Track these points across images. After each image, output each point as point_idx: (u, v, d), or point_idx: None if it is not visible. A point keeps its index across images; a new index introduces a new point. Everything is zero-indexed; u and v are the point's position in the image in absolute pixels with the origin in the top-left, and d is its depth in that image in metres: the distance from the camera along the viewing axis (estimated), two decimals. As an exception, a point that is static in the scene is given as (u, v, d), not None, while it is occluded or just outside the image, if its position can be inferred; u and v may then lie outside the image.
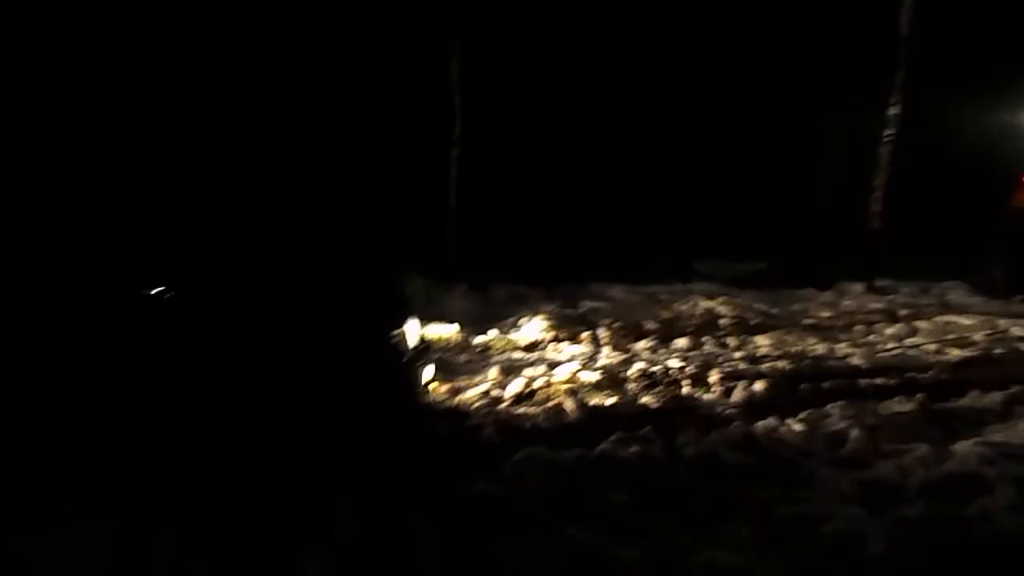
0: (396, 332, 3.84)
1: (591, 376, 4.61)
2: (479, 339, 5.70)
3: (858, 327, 6.48)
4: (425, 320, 5.64)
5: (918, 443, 3.55)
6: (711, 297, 7.35)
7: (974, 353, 5.53)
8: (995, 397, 4.31)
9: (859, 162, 8.39)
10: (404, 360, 3.84)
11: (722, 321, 6.43)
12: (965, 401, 4.28)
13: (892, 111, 8.24)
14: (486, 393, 4.33)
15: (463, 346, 5.53)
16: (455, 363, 5.01)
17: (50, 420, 2.56)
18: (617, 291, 7.45)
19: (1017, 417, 3.94)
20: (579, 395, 4.19)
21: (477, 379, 4.58)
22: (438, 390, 4.32)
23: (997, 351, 5.61)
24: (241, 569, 2.28)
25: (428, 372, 4.21)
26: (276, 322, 3.16)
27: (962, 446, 3.49)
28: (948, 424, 3.85)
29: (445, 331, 5.69)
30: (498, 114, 8.37)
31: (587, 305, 6.94)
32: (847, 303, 7.53)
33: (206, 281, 3.30)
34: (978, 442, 3.52)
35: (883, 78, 8.14)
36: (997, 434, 3.68)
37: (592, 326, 6.04)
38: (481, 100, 8.03)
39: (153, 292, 3.33)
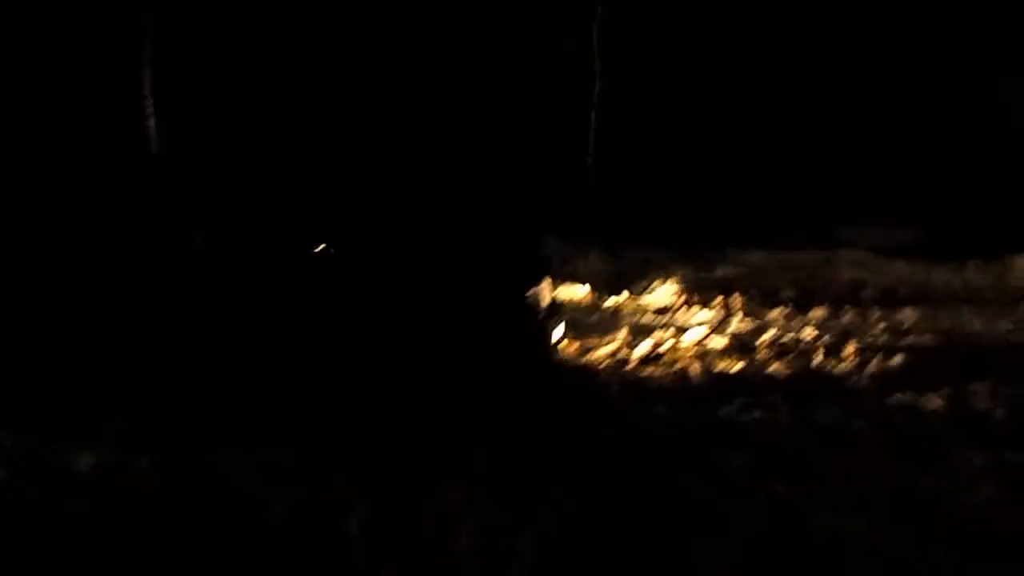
0: (531, 291, 4.09)
1: (720, 342, 4.65)
2: (610, 301, 5.85)
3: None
4: (558, 281, 5.89)
5: (1074, 428, 3.37)
6: (856, 265, 7.03)
7: None
8: None
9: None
10: (538, 318, 4.09)
11: (866, 292, 6.18)
12: None
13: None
14: (614, 353, 4.49)
15: (594, 307, 5.70)
16: (585, 323, 5.19)
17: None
18: (754, 256, 7.29)
19: None
20: (706, 360, 4.25)
21: (606, 339, 4.74)
22: (568, 348, 4.53)
23: None
24: (392, 496, 2.60)
25: (559, 330, 4.45)
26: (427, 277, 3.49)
27: (1126, 434, 3.27)
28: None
29: (577, 292, 5.88)
30: (637, 78, 8.32)
31: (722, 270, 6.87)
32: (1014, 277, 6.95)
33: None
34: None
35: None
36: None
37: (726, 292, 6.00)
38: (621, 64, 8.01)
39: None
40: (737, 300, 5.76)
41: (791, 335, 4.85)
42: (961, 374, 4.09)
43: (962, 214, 7.99)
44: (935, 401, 3.68)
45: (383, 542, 2.36)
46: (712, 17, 8.63)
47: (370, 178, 4.30)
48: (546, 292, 4.24)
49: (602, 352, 4.50)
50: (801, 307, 5.66)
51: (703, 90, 8.85)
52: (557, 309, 4.47)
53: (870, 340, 4.79)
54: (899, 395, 3.76)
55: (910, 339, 4.86)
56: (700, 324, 5.14)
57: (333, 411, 2.95)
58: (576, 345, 4.61)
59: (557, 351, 4.40)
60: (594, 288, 5.98)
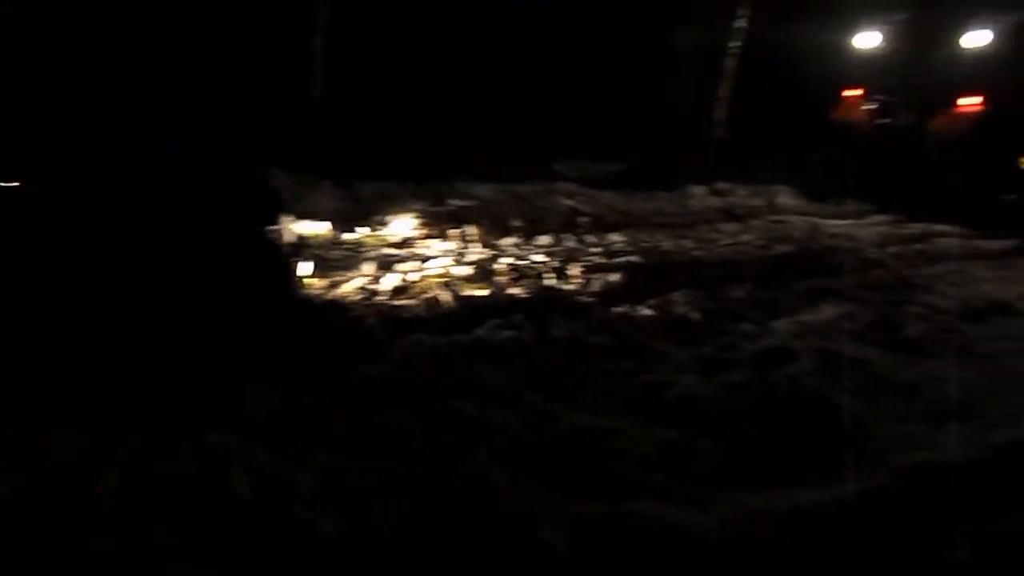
0: (272, 228, 3.89)
1: (463, 270, 4.88)
2: (350, 236, 5.78)
3: (701, 225, 7.16)
4: (295, 217, 5.66)
5: (745, 323, 4.18)
6: (571, 196, 7.75)
7: (793, 248, 6.34)
8: (806, 284, 5.03)
9: (706, 72, 8.94)
10: (281, 256, 3.92)
11: (581, 219, 6.87)
12: (783, 287, 4.96)
13: (737, 23, 8.80)
14: (363, 287, 4.49)
15: (335, 243, 5.60)
16: (329, 259, 5.09)
17: None
18: (483, 190, 7.65)
19: (822, 300, 4.63)
20: (453, 288, 4.46)
21: (352, 274, 4.72)
22: (316, 285, 4.44)
23: (812, 245, 6.46)
24: (160, 446, 2.40)
25: (306, 267, 4.32)
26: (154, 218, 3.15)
27: (778, 324, 4.15)
28: (769, 307, 4.49)
29: (317, 228, 5.71)
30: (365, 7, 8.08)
31: (454, 203, 7.11)
32: (692, 204, 8.21)
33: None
34: (791, 321, 4.19)
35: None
36: (806, 315, 4.35)
37: (460, 223, 6.26)
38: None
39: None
40: (473, 230, 6.05)
41: (524, 261, 5.26)
42: (662, 286, 4.81)
43: (650, 150, 9.15)
44: (646, 310, 4.30)
45: (143, 495, 2.19)
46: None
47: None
48: (288, 228, 4.08)
49: (351, 287, 4.48)
50: (529, 235, 6.13)
51: (427, 27, 8.88)
52: (301, 246, 4.33)
53: (589, 262, 5.39)
54: (618, 307, 4.32)
55: (621, 259, 5.56)
56: (442, 255, 5.33)
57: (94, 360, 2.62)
58: (324, 282, 4.53)
59: (306, 288, 4.29)
60: (333, 223, 5.85)
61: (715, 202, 8.34)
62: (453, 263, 5.05)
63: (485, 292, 4.51)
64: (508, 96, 9.77)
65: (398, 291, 4.44)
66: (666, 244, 6.27)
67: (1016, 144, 8.90)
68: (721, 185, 9.09)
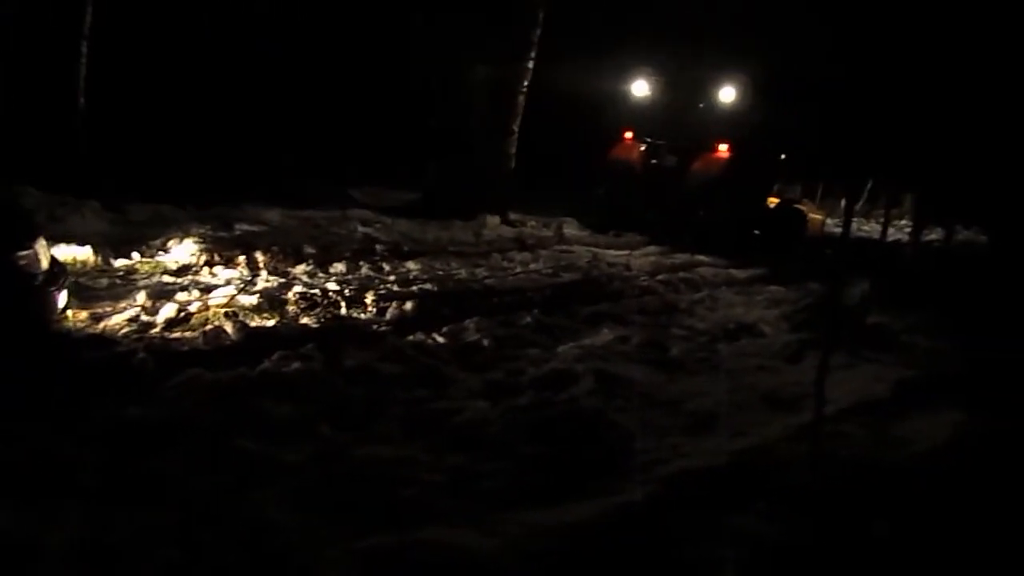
0: (23, 253, 3.48)
1: (250, 299, 4.65)
2: (121, 262, 5.28)
3: (494, 255, 7.41)
4: (51, 241, 5.06)
5: (533, 348, 4.40)
6: (367, 224, 7.70)
7: (578, 276, 6.78)
8: (589, 310, 5.41)
9: (499, 108, 9.36)
10: (35, 284, 3.51)
11: (378, 246, 6.84)
12: (568, 313, 5.29)
13: (528, 64, 9.32)
14: (135, 319, 4.12)
15: (102, 270, 5.08)
16: (95, 288, 4.62)
17: None
18: (274, 214, 7.37)
19: (602, 324, 5.01)
20: (238, 318, 4.23)
21: (123, 304, 4.31)
22: (77, 317, 3.99)
23: (594, 274, 6.96)
24: None
25: (63, 298, 3.89)
26: None
27: (563, 349, 4.42)
28: (555, 333, 4.76)
29: (77, 253, 5.14)
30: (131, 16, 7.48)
31: (242, 228, 6.78)
32: (486, 233, 8.50)
33: None
34: (573, 346, 4.48)
35: (521, 34, 9.14)
36: (587, 338, 4.67)
37: (249, 249, 5.96)
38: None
39: None
40: (260, 257, 5.79)
41: (317, 289, 5.12)
42: (456, 313, 4.92)
43: (446, 180, 9.37)
44: (439, 338, 4.38)
45: None
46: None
47: None
48: (41, 254, 3.64)
49: (120, 318, 4.09)
50: (323, 262, 5.99)
51: (211, 45, 8.43)
52: (59, 274, 3.89)
53: (384, 290, 5.37)
54: (412, 336, 4.35)
55: (416, 287, 5.61)
56: (227, 283, 5.04)
57: None
58: (87, 313, 4.09)
59: (64, 320, 3.85)
60: (98, 248, 5.31)
61: (508, 232, 8.71)
62: (239, 292, 4.79)
63: (274, 322, 4.33)
64: (301, 120, 9.55)
65: (175, 323, 4.13)
66: (461, 272, 6.42)
67: (762, 186, 10.32)
68: (513, 216, 9.54)
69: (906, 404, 3.57)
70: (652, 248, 8.92)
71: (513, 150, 9.58)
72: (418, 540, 2.24)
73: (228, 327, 4.01)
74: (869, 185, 15.75)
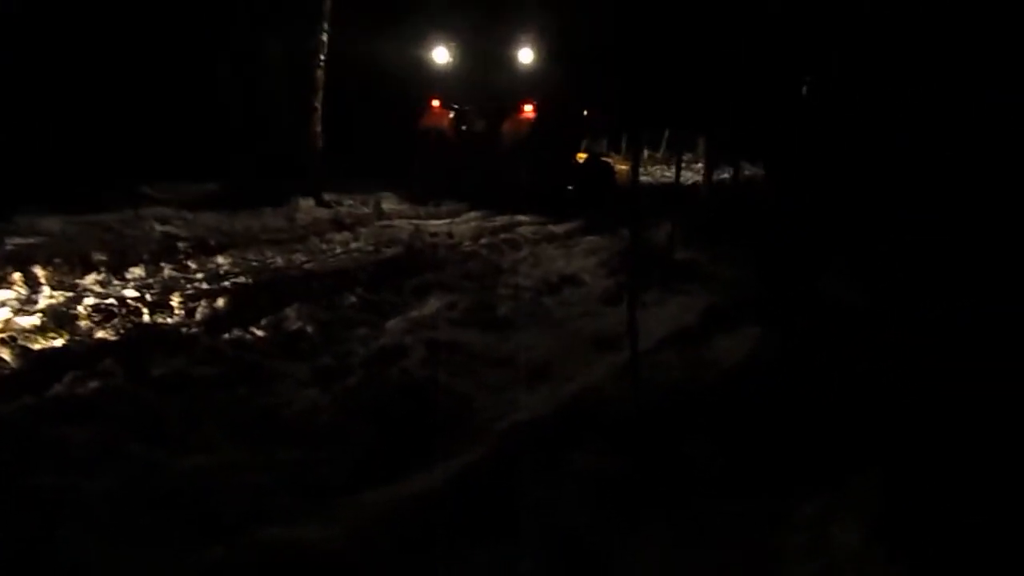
0: None
1: (30, 320, 4.11)
2: None
3: (312, 238, 7.12)
4: None
5: (360, 328, 4.28)
6: (166, 221, 7.08)
7: (401, 250, 6.69)
8: (414, 282, 5.36)
9: (299, 85, 8.92)
10: None
11: (180, 244, 6.30)
12: (393, 288, 5.21)
13: (322, 36, 8.94)
14: None
15: None
16: None
17: None
18: (54, 223, 6.54)
19: (428, 295, 4.98)
20: (16, 342, 3.73)
21: None
22: None
23: (417, 245, 6.89)
24: None
25: None
26: None
27: (391, 324, 4.34)
28: (381, 309, 4.67)
29: None
30: None
31: (15, 242, 5.95)
32: (301, 217, 8.12)
33: None
34: (401, 319, 4.42)
35: (313, 6, 8.73)
36: (415, 310, 4.63)
37: (25, 264, 5.26)
38: None
39: None
40: (40, 272, 5.14)
41: (112, 299, 4.64)
42: (275, 303, 4.67)
43: (251, 166, 8.83)
44: (259, 331, 4.13)
45: None
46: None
47: None
48: None
49: None
50: (117, 269, 5.43)
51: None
52: None
53: (193, 289, 4.98)
54: (228, 333, 4.07)
55: (228, 282, 5.25)
56: (0, 305, 4.42)
57: None
58: None
59: None
60: None
61: (324, 214, 8.39)
62: (16, 313, 4.22)
63: (62, 341, 3.87)
64: (79, 113, 8.53)
65: (-63, 359, 3.56)
66: (277, 261, 6.10)
67: (570, 143, 10.70)
68: (328, 196, 9.19)
69: (712, 329, 3.88)
70: (473, 214, 9.00)
71: (318, 128, 9.20)
72: (252, 543, 2.11)
73: (4, 353, 3.52)
74: (667, 134, 16.92)
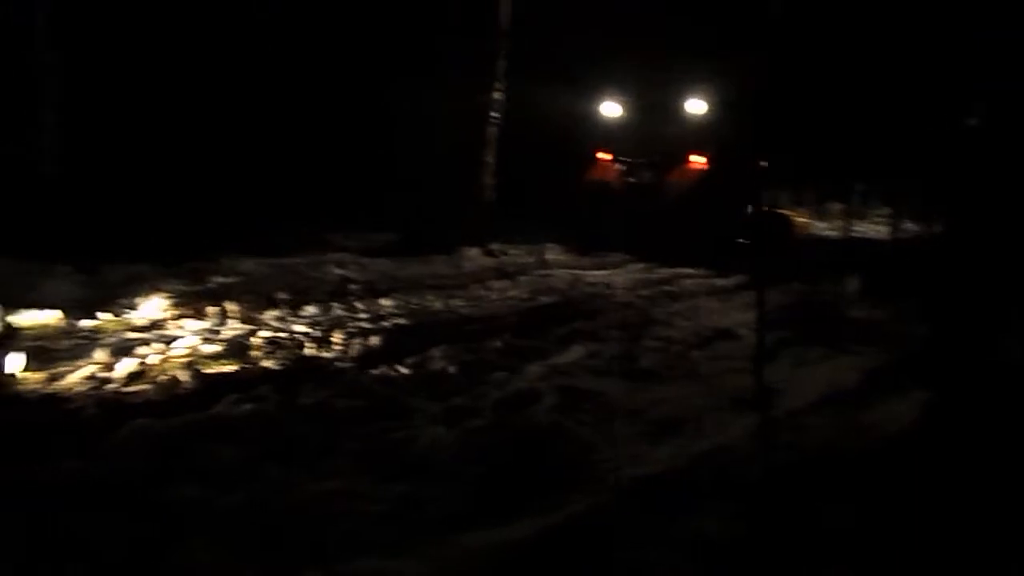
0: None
1: (212, 348, 4.59)
2: (87, 323, 5.23)
3: (473, 285, 7.36)
4: (19, 307, 5.05)
5: (499, 371, 4.31)
6: (343, 266, 7.67)
7: (555, 299, 6.72)
8: (562, 330, 5.33)
9: (472, 140, 9.42)
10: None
11: (352, 287, 6.79)
12: (541, 335, 5.21)
13: (496, 96, 9.41)
14: (92, 376, 4.06)
15: (67, 332, 5.03)
16: (55, 349, 4.55)
17: None
18: (249, 264, 7.34)
19: (573, 343, 4.93)
20: (195, 367, 4.17)
21: (81, 363, 4.25)
22: (31, 378, 3.94)
23: (572, 294, 6.89)
24: None
25: (15, 360, 3.85)
26: None
27: (530, 369, 4.33)
28: (524, 354, 4.68)
29: (43, 317, 5.12)
30: (103, 76, 7.59)
31: (216, 280, 6.74)
32: (466, 265, 8.47)
33: None
34: (542, 364, 4.40)
35: (486, 66, 9.25)
36: (556, 357, 4.59)
37: (220, 300, 5.92)
38: (80, 60, 7.19)
39: None
40: (231, 307, 5.75)
41: (284, 333, 5.06)
42: (424, 344, 4.85)
43: (425, 217, 9.38)
44: (403, 369, 4.30)
45: None
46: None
47: None
48: (-7, 319, 3.63)
49: (77, 376, 4.03)
50: (295, 307, 5.94)
51: (189, 98, 8.54)
52: (8, 336, 3.86)
53: (354, 328, 5.31)
54: (375, 369, 4.28)
55: (388, 323, 5.55)
56: (192, 335, 4.99)
57: None
58: (43, 374, 4.04)
59: (14, 383, 3.80)
60: (66, 312, 5.28)
61: (488, 262, 8.67)
62: (202, 342, 4.73)
63: (232, 368, 4.26)
64: (276, 169, 9.60)
65: (133, 377, 4.06)
66: (436, 305, 6.36)
67: (742, 194, 10.29)
68: (495, 246, 9.51)
69: (876, 391, 3.46)
70: (635, 266, 8.86)
71: (490, 180, 9.60)
72: (347, 572, 2.14)
73: (182, 376, 3.95)
74: (861, 188, 15.75)
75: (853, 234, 13.25)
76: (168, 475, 2.79)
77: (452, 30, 9.05)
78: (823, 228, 12.98)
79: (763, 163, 10.48)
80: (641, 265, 8.83)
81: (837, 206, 15.53)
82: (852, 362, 4.13)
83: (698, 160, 9.57)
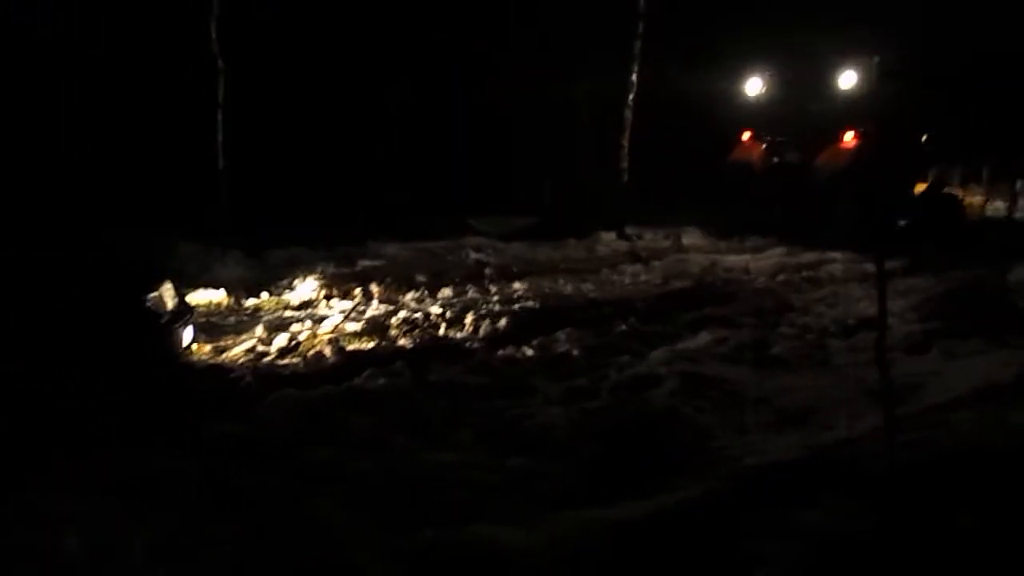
0: (151, 295, 3.94)
1: (355, 326, 4.95)
2: (250, 302, 5.80)
3: (605, 269, 7.36)
4: (194, 286, 5.67)
5: (622, 355, 4.32)
6: (480, 249, 7.93)
7: (689, 283, 6.59)
8: (692, 315, 5.23)
9: (609, 123, 9.36)
10: (162, 322, 3.96)
11: (487, 270, 7.02)
12: (669, 320, 5.15)
13: (632, 77, 9.28)
14: (251, 349, 4.51)
15: (233, 309, 5.61)
16: (222, 325, 5.11)
17: None
18: (393, 248, 7.78)
19: (703, 328, 4.83)
20: (340, 343, 4.51)
21: (243, 337, 4.74)
22: (201, 350, 4.45)
23: (707, 279, 6.72)
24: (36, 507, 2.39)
25: (189, 333, 4.34)
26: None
27: (654, 354, 4.31)
28: (650, 339, 4.65)
29: (214, 296, 5.72)
30: (260, 80, 8.29)
31: (363, 263, 7.20)
32: (600, 249, 8.47)
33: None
34: (667, 350, 4.36)
35: (624, 46, 9.14)
36: (683, 343, 4.53)
37: (365, 282, 6.33)
38: (244, 62, 7.89)
39: None
40: (375, 288, 6.13)
41: (420, 313, 5.35)
42: (551, 326, 4.94)
43: (561, 202, 9.48)
44: (528, 350, 4.42)
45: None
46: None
47: None
48: (167, 296, 4.12)
49: (238, 350, 4.50)
50: (432, 289, 6.23)
51: (322, 100, 9.13)
52: (184, 312, 4.36)
53: (486, 310, 5.50)
54: (503, 350, 4.44)
55: (518, 305, 5.69)
56: (339, 313, 5.38)
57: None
58: (211, 346, 4.54)
59: (189, 353, 4.29)
60: (231, 291, 5.87)
61: (623, 246, 8.62)
62: (346, 320, 5.11)
63: (371, 344, 4.58)
64: (424, 158, 10.04)
65: (285, 351, 4.48)
66: (567, 289, 6.44)
67: (903, 173, 9.52)
68: (631, 230, 9.42)
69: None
70: (777, 250, 8.46)
71: (625, 164, 9.51)
72: (463, 538, 2.28)
73: (327, 351, 4.29)
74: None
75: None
76: (310, 438, 3.08)
77: (589, 12, 9.02)
78: (997, 209, 11.71)
79: (926, 139, 9.68)
80: (783, 249, 8.43)
81: (1017, 184, 13.94)
82: (1010, 356, 3.76)
83: (850, 137, 8.94)
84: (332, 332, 4.81)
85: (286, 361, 4.30)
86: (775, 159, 9.53)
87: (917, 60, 8.75)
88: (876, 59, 8.95)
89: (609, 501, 2.51)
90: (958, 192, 9.76)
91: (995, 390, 3.22)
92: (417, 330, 4.94)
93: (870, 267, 7.25)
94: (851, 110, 8.94)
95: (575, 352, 4.38)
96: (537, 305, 5.72)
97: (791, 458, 2.74)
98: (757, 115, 9.72)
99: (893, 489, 2.37)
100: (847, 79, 9.04)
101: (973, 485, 2.38)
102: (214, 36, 7.64)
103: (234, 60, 7.74)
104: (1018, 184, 14.00)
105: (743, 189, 9.62)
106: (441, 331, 4.96)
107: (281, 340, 4.62)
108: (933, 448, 2.64)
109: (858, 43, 8.83)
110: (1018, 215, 11.68)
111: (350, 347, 4.48)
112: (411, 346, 4.58)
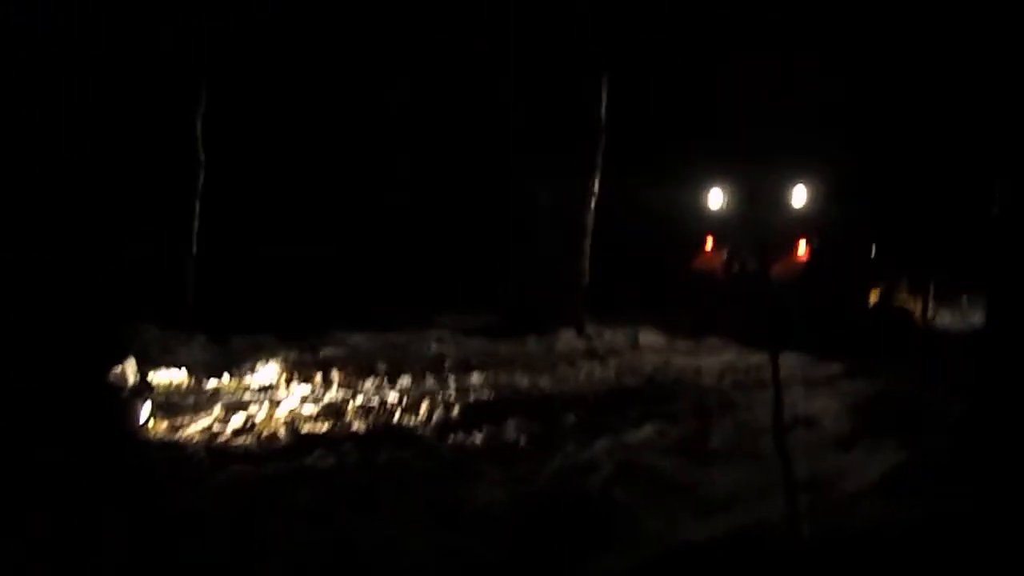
0: (113, 371, 4.10)
1: (311, 409, 5.08)
2: (211, 383, 5.91)
3: (562, 364, 7.59)
4: (155, 366, 5.79)
5: (567, 444, 4.50)
6: (443, 342, 8.15)
7: (640, 381, 6.83)
8: (639, 411, 5.45)
9: (569, 227, 9.85)
10: (121, 396, 4.10)
11: (447, 362, 7.21)
12: (617, 413, 5.36)
13: (593, 186, 9.86)
14: (207, 428, 4.62)
15: (193, 390, 5.71)
16: (181, 404, 5.21)
17: None
18: (358, 338, 7.96)
19: (647, 422, 5.03)
20: (295, 424, 4.64)
21: (200, 416, 4.85)
22: (158, 426, 4.55)
23: (658, 378, 6.97)
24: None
25: (146, 409, 4.46)
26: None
27: (598, 444, 4.49)
28: (595, 430, 4.84)
29: (175, 376, 5.84)
30: (237, 170, 8.69)
31: (327, 351, 7.37)
32: (559, 346, 8.71)
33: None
34: (608, 440, 4.54)
35: (586, 155, 9.76)
36: (627, 435, 4.72)
37: (327, 369, 6.48)
38: (221, 156, 8.30)
39: None
40: (335, 374, 6.28)
41: (377, 400, 5.50)
42: (503, 416, 5.11)
43: (522, 300, 9.81)
44: (479, 437, 4.59)
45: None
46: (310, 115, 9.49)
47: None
48: (129, 372, 4.28)
49: (195, 428, 4.60)
50: (392, 377, 6.40)
51: (302, 185, 9.55)
52: (144, 389, 4.50)
53: (442, 399, 5.67)
54: (453, 436, 4.60)
55: (473, 396, 5.88)
56: (297, 397, 5.52)
57: None
58: (167, 423, 4.64)
59: (145, 429, 4.40)
60: (192, 372, 5.99)
61: (581, 344, 8.88)
62: (304, 403, 5.24)
63: (325, 427, 4.71)
64: (389, 254, 10.42)
65: (241, 431, 4.59)
66: (523, 382, 6.63)
67: (853, 284, 10.06)
68: (591, 328, 9.74)
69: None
70: (729, 351, 8.79)
71: (585, 266, 9.93)
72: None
73: (282, 432, 4.43)
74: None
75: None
76: (257, 512, 3.19)
77: (554, 125, 9.66)
78: (949, 322, 12.29)
79: (872, 250, 10.29)
80: (734, 352, 8.76)
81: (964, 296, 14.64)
82: (922, 453, 4.02)
83: (803, 249, 9.50)
84: (288, 414, 4.94)
85: (240, 440, 4.41)
86: (735, 266, 10.04)
87: (860, 174, 9.44)
88: (821, 178, 9.68)
89: (528, 573, 2.66)
90: (908, 303, 10.31)
91: (902, 481, 3.46)
92: (372, 415, 5.09)
93: (817, 370, 7.61)
94: (803, 222, 9.56)
95: (522, 440, 4.55)
96: (492, 396, 5.90)
97: (710, 537, 2.91)
98: (719, 224, 10.30)
99: (800, 564, 2.56)
100: (798, 193, 9.71)
101: (870, 559, 2.57)
102: (198, 133, 8.08)
103: (213, 153, 8.16)
104: (963, 299, 14.72)
105: (702, 294, 10.08)
106: (396, 417, 5.11)
107: (238, 420, 4.73)
108: (839, 528, 2.84)
109: (813, 157, 9.55)
110: (962, 327, 12.26)
111: (304, 429, 4.61)
112: (364, 430, 4.72)
